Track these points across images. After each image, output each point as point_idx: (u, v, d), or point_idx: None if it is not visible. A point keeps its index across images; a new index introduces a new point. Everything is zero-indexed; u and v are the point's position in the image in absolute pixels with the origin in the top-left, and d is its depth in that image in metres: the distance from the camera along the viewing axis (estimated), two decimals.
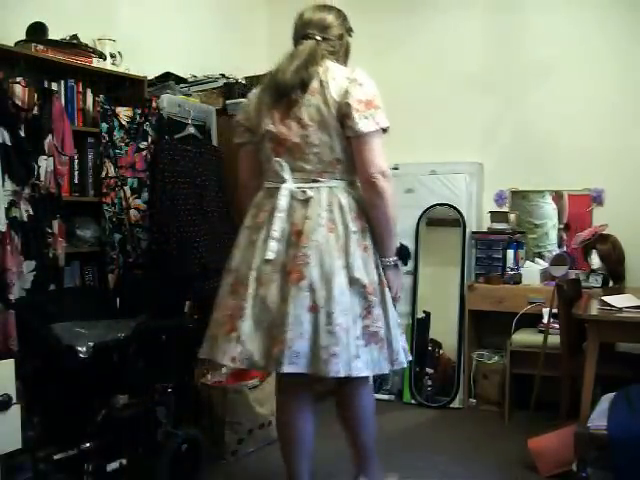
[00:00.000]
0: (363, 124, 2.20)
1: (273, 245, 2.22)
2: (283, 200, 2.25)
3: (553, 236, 4.25)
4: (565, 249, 4.11)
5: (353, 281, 2.22)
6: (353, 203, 2.29)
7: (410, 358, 2.40)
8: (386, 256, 2.33)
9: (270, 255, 2.21)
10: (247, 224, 2.35)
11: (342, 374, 2.16)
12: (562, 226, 4.24)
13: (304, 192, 2.25)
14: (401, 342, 2.34)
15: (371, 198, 2.26)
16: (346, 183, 2.31)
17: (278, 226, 2.23)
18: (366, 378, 2.40)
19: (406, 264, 4.05)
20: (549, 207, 4.27)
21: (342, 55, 2.44)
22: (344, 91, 2.22)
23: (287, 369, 2.14)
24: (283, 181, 2.28)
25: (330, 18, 2.40)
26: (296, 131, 2.26)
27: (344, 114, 2.21)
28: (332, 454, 3.30)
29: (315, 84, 2.26)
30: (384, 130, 2.26)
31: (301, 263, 2.18)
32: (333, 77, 2.26)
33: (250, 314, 2.22)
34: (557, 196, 4.23)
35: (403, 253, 3.98)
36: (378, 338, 2.24)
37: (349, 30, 2.47)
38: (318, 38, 2.35)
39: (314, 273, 2.17)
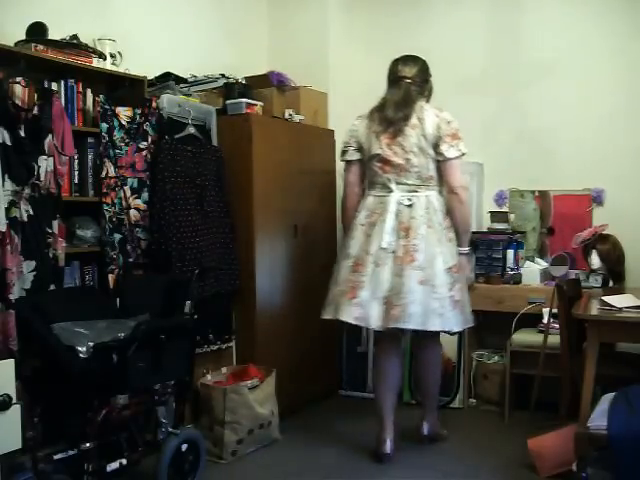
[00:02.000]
0: (450, 152, 3.07)
1: (387, 237, 3.05)
2: (393, 206, 3.09)
3: (532, 241, 4.20)
4: (541, 262, 4.03)
5: (445, 263, 3.05)
6: (442, 206, 3.13)
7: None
8: (462, 246, 3.19)
9: (385, 244, 3.05)
10: (361, 222, 3.17)
11: (447, 328, 3.08)
12: (544, 230, 4.18)
13: (409, 199, 3.09)
14: (469, 308, 3.21)
15: (454, 204, 3.12)
16: (436, 192, 3.15)
17: (389, 224, 3.06)
18: (439, 335, 3.29)
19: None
20: (529, 207, 4.22)
21: (427, 95, 3.25)
22: (437, 127, 3.06)
23: (403, 325, 2.99)
24: (390, 191, 3.12)
25: (417, 68, 3.21)
26: (401, 155, 3.09)
27: (437, 144, 3.07)
28: (333, 453, 3.31)
29: (414, 120, 3.08)
30: (463, 154, 3.12)
31: (413, 250, 3.02)
32: (427, 115, 3.08)
33: (367, 286, 3.05)
34: (541, 196, 4.19)
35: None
36: (459, 305, 3.09)
37: (430, 75, 3.27)
38: (409, 82, 3.16)
39: (422, 257, 3.02)
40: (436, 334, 3.29)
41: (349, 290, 3.09)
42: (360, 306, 3.04)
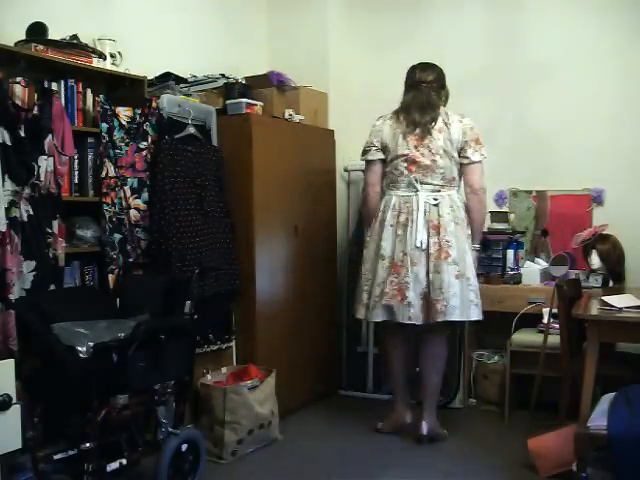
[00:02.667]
0: (474, 156, 3.30)
1: (420, 236, 3.22)
2: (421, 205, 3.26)
3: (524, 240, 4.18)
4: (541, 262, 4.00)
5: (472, 256, 3.32)
6: (462, 205, 3.36)
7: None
8: (474, 243, 3.40)
9: (419, 243, 3.22)
10: (390, 223, 3.31)
11: (480, 317, 3.33)
12: (538, 232, 4.16)
13: (435, 199, 3.28)
14: None
15: (474, 204, 3.36)
16: (456, 191, 3.37)
17: (421, 223, 3.23)
18: (447, 329, 3.45)
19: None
20: (522, 207, 4.20)
21: (444, 100, 3.43)
22: (462, 132, 3.29)
23: (448, 318, 3.22)
24: (416, 191, 3.28)
25: (434, 74, 3.39)
26: (427, 156, 3.28)
27: (462, 148, 3.30)
28: (334, 452, 3.31)
29: (440, 124, 3.29)
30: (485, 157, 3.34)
31: (446, 246, 3.23)
32: (453, 121, 3.31)
33: (412, 286, 3.23)
34: (538, 196, 4.18)
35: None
36: (479, 294, 3.35)
37: (446, 82, 3.44)
38: (428, 86, 3.35)
39: (455, 252, 3.24)
40: (444, 328, 3.39)
41: (396, 292, 3.25)
42: (411, 306, 3.23)
